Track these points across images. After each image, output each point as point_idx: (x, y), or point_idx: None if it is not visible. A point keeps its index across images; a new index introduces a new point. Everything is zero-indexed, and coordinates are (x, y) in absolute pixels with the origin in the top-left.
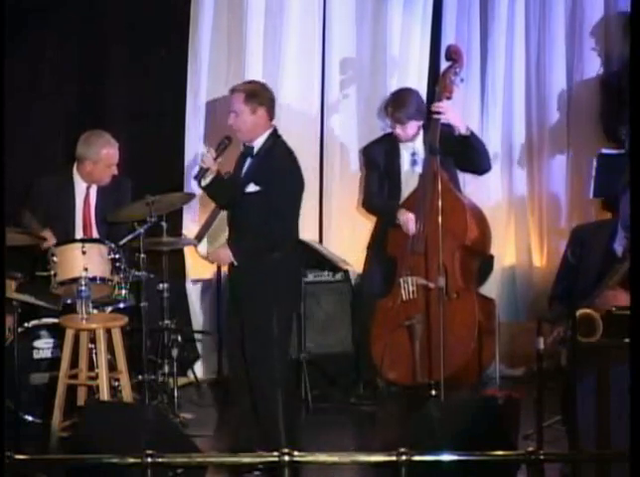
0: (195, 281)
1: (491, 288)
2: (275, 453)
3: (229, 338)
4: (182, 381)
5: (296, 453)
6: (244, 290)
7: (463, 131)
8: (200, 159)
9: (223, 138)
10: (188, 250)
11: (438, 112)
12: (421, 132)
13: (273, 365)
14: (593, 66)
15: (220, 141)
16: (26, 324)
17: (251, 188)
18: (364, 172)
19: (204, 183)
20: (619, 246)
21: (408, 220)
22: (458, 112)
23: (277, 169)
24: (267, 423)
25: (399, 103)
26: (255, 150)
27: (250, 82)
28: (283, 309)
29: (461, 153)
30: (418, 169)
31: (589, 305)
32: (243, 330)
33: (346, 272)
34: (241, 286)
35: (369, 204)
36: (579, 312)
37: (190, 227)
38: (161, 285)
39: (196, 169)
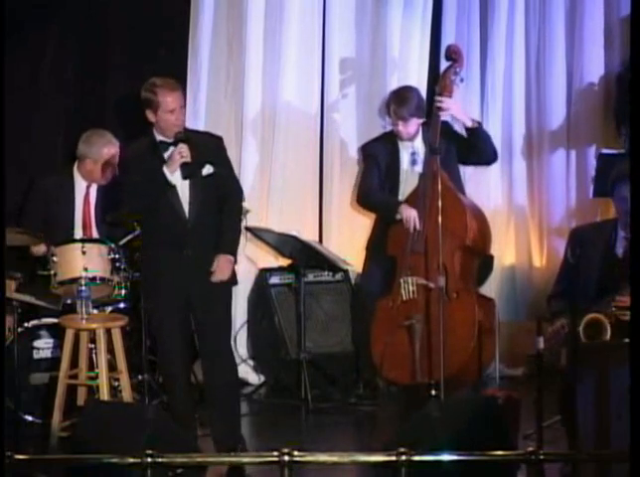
0: None
1: (491, 288)
2: (275, 453)
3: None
4: None
5: (296, 453)
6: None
7: (470, 124)
8: (178, 156)
9: (177, 134)
10: None
11: (441, 109)
12: (421, 131)
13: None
14: (593, 65)
15: (178, 138)
16: (26, 324)
17: (207, 170)
18: (362, 167)
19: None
20: (619, 247)
21: (411, 216)
22: (461, 106)
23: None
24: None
25: (400, 100)
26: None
27: (167, 76)
28: None
29: (467, 146)
30: (418, 168)
31: (601, 310)
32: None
33: (346, 272)
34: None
35: (366, 199)
36: (588, 316)
37: None
38: None
39: (175, 167)
